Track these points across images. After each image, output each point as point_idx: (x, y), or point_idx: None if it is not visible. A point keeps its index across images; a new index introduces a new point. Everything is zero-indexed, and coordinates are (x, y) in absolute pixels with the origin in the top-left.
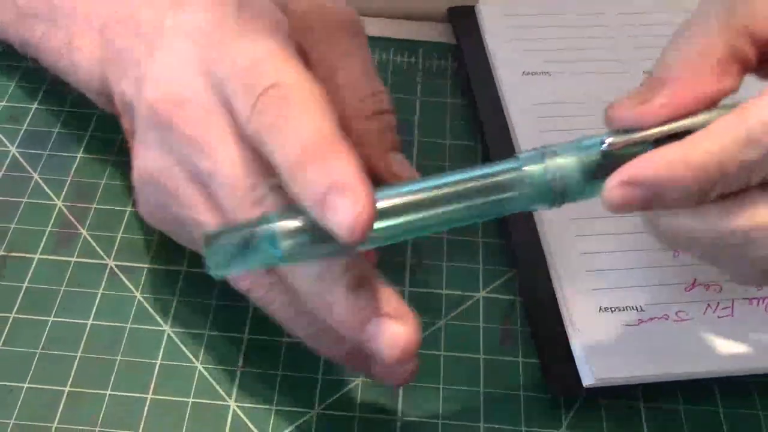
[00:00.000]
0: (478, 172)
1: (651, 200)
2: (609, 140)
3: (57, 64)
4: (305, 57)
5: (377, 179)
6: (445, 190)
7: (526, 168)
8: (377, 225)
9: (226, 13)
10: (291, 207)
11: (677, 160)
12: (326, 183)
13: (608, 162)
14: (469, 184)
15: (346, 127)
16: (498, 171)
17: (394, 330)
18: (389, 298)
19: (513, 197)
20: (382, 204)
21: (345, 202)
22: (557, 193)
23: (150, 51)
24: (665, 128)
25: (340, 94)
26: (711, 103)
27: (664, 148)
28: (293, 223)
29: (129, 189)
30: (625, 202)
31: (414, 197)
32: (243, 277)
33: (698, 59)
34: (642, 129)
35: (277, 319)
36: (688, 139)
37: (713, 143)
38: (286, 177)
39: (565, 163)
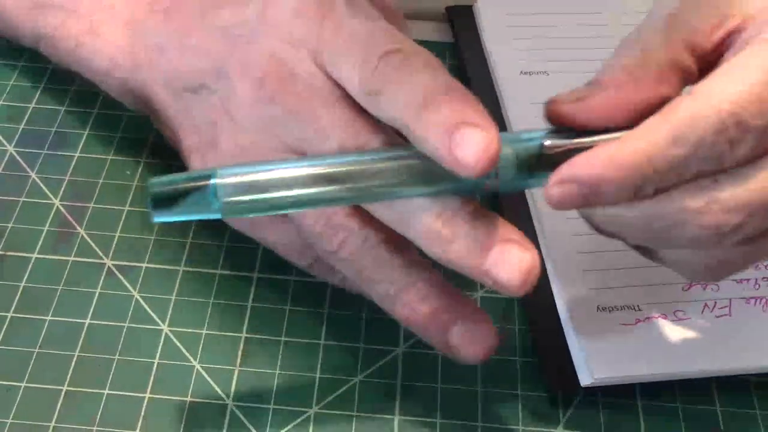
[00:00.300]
0: (404, 152)
1: (589, 197)
2: (547, 143)
3: (74, 53)
4: None
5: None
6: (384, 160)
7: None
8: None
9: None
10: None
11: (610, 160)
12: (456, 118)
13: (544, 159)
14: (409, 160)
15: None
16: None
17: (519, 255)
18: (508, 226)
19: (444, 179)
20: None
21: (475, 135)
22: (491, 182)
23: (245, 39)
24: (603, 137)
25: None
26: (648, 110)
27: (598, 147)
28: (237, 178)
29: (127, 188)
30: (564, 199)
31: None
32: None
33: (639, 66)
34: (580, 133)
35: (357, 276)
36: (620, 138)
37: (642, 142)
38: (409, 119)
39: (502, 153)
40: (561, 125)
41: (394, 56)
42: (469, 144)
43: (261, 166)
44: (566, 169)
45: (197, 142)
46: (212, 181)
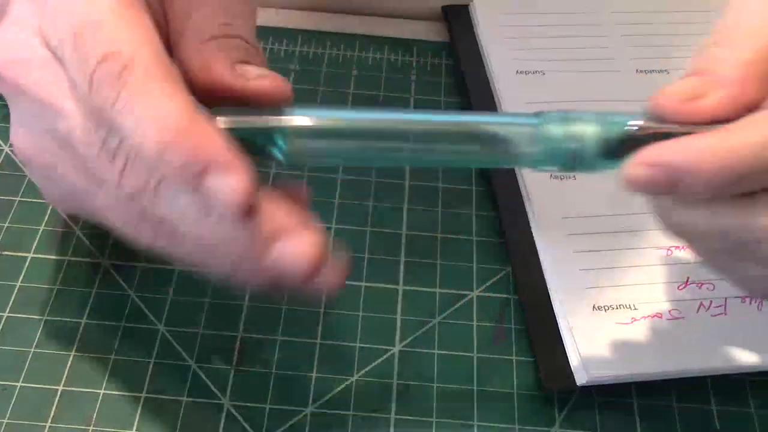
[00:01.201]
0: (496, 118)
1: (672, 185)
2: (640, 123)
3: None
4: None
5: (232, 93)
6: (451, 126)
7: (546, 126)
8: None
9: None
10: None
11: (707, 150)
12: (196, 169)
13: (629, 142)
14: (486, 127)
15: (184, 53)
16: (517, 122)
17: (296, 249)
18: (283, 215)
19: (525, 152)
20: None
21: (226, 181)
22: (569, 159)
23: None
24: (701, 127)
25: (189, 26)
26: (747, 111)
27: (696, 136)
28: (308, 121)
29: None
30: (647, 181)
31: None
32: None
33: (748, 65)
34: (680, 123)
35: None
36: (720, 131)
37: (744, 138)
38: (149, 162)
39: (586, 131)
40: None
41: (109, 66)
42: (224, 192)
43: (329, 112)
44: (657, 151)
45: None
46: (281, 120)
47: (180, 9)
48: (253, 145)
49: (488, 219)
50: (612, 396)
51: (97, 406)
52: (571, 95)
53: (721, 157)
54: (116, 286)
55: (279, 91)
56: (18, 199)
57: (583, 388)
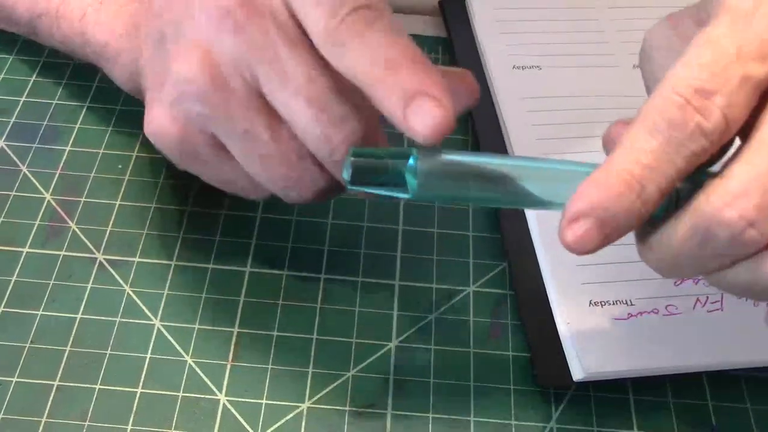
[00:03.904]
0: (566, 166)
1: (603, 227)
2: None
3: (78, 25)
4: None
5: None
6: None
7: None
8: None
9: None
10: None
11: (603, 176)
12: (416, 87)
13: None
14: (562, 174)
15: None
16: (575, 169)
17: (431, 111)
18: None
19: None
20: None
21: (431, 108)
22: None
23: None
24: None
25: None
26: None
27: (590, 176)
28: (433, 161)
29: (119, 182)
30: (580, 240)
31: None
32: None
33: None
34: None
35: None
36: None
37: (627, 146)
38: (369, 79)
39: None
40: None
41: (363, 12)
42: (424, 115)
43: (460, 156)
44: (568, 208)
45: (152, 82)
46: (411, 161)
47: None
48: (384, 180)
49: (485, 214)
50: (608, 391)
51: (93, 401)
52: (567, 90)
53: (614, 172)
54: (112, 281)
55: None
56: (13, 193)
57: (580, 383)
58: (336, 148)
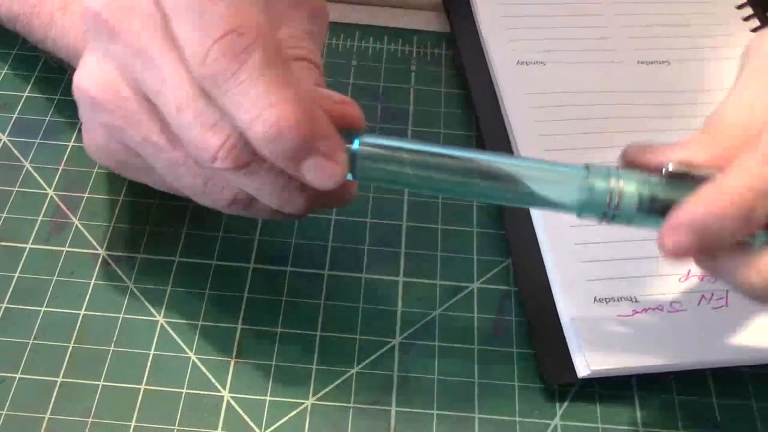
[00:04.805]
0: (542, 165)
1: (704, 240)
2: (671, 166)
3: (46, 30)
4: None
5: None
6: (504, 166)
7: (591, 179)
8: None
9: None
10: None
11: (714, 194)
12: (303, 150)
13: (665, 200)
14: (532, 171)
15: None
16: (562, 172)
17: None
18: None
19: (569, 200)
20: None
21: (323, 168)
22: (608, 211)
23: None
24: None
25: None
26: None
27: (701, 189)
28: (376, 148)
29: (121, 178)
30: (680, 246)
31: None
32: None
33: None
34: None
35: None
36: (719, 175)
37: (740, 170)
38: (248, 133)
39: (626, 188)
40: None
41: (231, 41)
42: (319, 177)
43: (399, 142)
44: (674, 217)
45: None
46: (354, 146)
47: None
48: None
49: (489, 210)
50: (613, 388)
51: (97, 397)
52: (571, 86)
53: (724, 194)
54: (115, 277)
55: (357, 117)
56: (16, 189)
57: (584, 380)
58: (214, 156)
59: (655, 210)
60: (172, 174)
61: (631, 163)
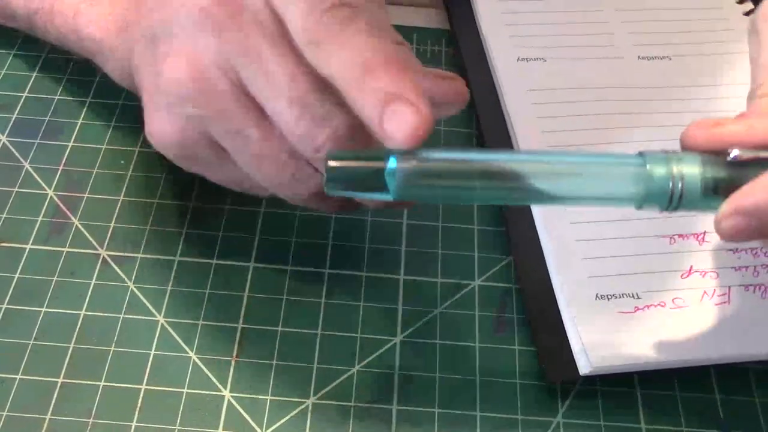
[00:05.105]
0: (597, 158)
1: (761, 227)
2: (736, 152)
3: (71, 22)
4: None
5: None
6: (563, 166)
7: (650, 167)
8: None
9: None
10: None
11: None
12: (392, 91)
13: (728, 181)
14: (584, 168)
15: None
16: (621, 163)
17: (408, 116)
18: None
19: (628, 192)
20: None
21: (407, 114)
22: (673, 199)
23: None
24: None
25: None
26: None
27: (764, 175)
28: (416, 163)
29: (122, 178)
30: (736, 232)
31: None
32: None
33: None
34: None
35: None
36: None
37: None
38: (345, 81)
39: (689, 171)
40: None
41: (341, 10)
42: (399, 121)
43: (438, 153)
44: (734, 199)
45: (148, 83)
46: (390, 164)
47: None
48: (363, 183)
49: (490, 208)
50: (615, 385)
51: (97, 398)
52: (572, 82)
53: None
54: (115, 277)
55: (463, 93)
56: (15, 189)
57: (586, 377)
58: (320, 147)
59: (719, 192)
60: (256, 166)
61: (695, 144)
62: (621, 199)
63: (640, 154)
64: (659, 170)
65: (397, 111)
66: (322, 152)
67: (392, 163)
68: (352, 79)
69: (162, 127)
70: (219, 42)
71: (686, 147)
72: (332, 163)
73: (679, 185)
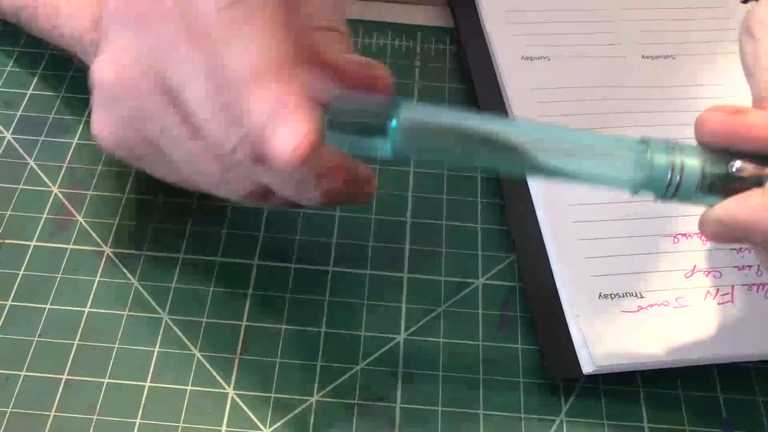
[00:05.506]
0: (600, 139)
1: (741, 239)
2: (738, 165)
3: (53, 21)
4: None
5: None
6: (566, 142)
7: (651, 154)
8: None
9: None
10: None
11: (759, 207)
12: (269, 110)
13: (725, 181)
14: (586, 145)
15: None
16: (623, 146)
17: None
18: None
19: (627, 176)
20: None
21: (284, 131)
22: (668, 188)
23: None
24: None
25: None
26: None
27: (749, 193)
28: (417, 117)
29: (126, 175)
30: (717, 237)
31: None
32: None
33: None
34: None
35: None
36: None
37: None
38: (236, 90)
39: (689, 164)
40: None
41: (235, 8)
42: (281, 141)
43: (441, 112)
44: (718, 211)
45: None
46: (393, 120)
47: None
48: (364, 134)
49: (493, 206)
50: (618, 384)
51: (101, 395)
52: (576, 81)
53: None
54: (119, 275)
55: (384, 80)
56: (20, 187)
57: (589, 376)
58: (235, 148)
59: (716, 189)
60: (190, 164)
61: (711, 130)
62: (618, 181)
63: (643, 140)
64: (660, 159)
65: (279, 132)
66: (239, 154)
67: (397, 116)
68: (242, 85)
69: (101, 126)
70: (139, 39)
71: (701, 132)
72: (336, 104)
73: (678, 177)
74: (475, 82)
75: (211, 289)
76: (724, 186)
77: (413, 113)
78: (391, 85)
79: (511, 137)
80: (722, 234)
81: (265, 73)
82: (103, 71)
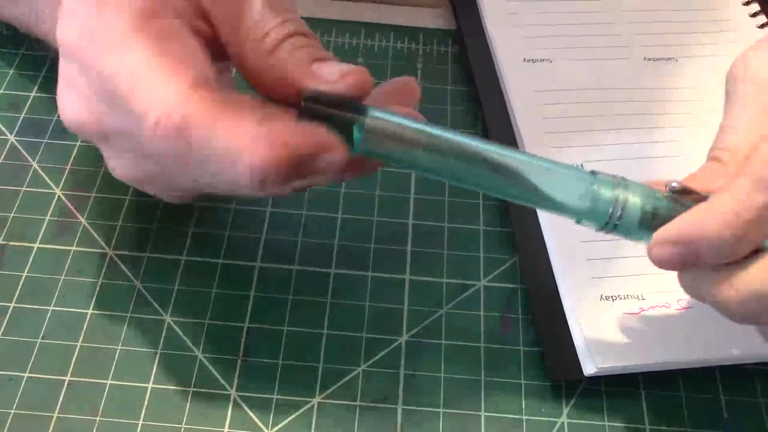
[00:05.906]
0: (549, 164)
1: (689, 256)
2: (674, 185)
3: (33, 19)
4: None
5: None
6: (514, 161)
7: (598, 186)
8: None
9: None
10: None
11: (702, 216)
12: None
13: (665, 218)
14: (538, 169)
15: (255, 67)
16: (568, 174)
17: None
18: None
19: (572, 205)
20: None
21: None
22: (610, 221)
23: None
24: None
25: (246, 37)
26: None
27: (693, 208)
28: (386, 124)
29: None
30: (666, 259)
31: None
32: None
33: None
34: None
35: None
36: (711, 197)
37: (728, 196)
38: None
39: (630, 200)
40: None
41: (140, 7)
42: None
43: (409, 122)
44: (664, 230)
45: None
46: (364, 118)
47: (224, 15)
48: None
49: (495, 208)
50: (620, 386)
51: (104, 396)
52: (578, 83)
53: (714, 219)
54: (122, 276)
55: (362, 85)
56: (23, 189)
57: (591, 378)
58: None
59: (656, 225)
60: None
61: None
62: (565, 208)
63: (593, 173)
64: (605, 193)
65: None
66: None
67: (366, 116)
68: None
69: (115, 163)
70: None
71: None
72: (308, 94)
73: (619, 211)
74: (477, 84)
75: (214, 290)
76: (665, 222)
77: (380, 120)
78: (370, 88)
79: (464, 149)
80: (669, 255)
81: (151, 82)
82: (64, 115)
